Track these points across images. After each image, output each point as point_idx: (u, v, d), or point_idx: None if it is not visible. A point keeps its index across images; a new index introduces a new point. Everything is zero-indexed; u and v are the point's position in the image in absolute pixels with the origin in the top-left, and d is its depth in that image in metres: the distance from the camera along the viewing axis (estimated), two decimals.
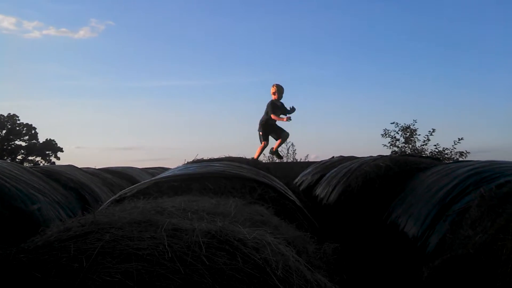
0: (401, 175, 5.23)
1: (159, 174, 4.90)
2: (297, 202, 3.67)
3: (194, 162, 5.55)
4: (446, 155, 16.86)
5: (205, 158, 6.42)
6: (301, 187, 8.26)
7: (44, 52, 58.10)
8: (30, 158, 47.62)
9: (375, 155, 6.78)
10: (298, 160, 20.27)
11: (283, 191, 3.73)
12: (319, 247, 2.47)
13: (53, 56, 59.04)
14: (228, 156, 7.14)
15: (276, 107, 7.85)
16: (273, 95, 7.97)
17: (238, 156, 7.34)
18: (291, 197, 3.66)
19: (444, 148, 16.87)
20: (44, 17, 50.88)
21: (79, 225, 1.78)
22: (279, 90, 7.92)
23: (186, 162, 5.54)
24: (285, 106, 8.01)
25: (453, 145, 16.49)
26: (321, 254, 2.35)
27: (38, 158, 47.79)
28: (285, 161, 20.70)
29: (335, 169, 6.84)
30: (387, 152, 17.39)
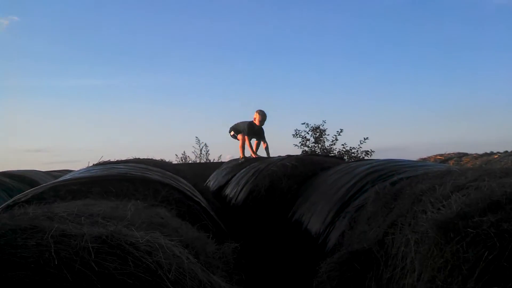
0: (306, 174, 5.41)
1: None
2: (202, 203, 3.67)
3: (98, 164, 5.36)
4: (353, 154, 17.69)
5: (112, 160, 6.25)
6: (212, 188, 8.28)
7: None
8: None
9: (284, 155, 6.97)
10: (212, 161, 20.23)
11: (188, 193, 3.71)
12: (220, 247, 2.49)
13: None
14: (136, 158, 7.00)
15: (251, 132, 8.90)
16: (254, 120, 8.86)
17: (147, 158, 7.22)
18: (196, 198, 3.66)
19: (351, 147, 17.68)
20: None
21: None
22: (262, 118, 8.87)
23: (90, 165, 5.34)
24: (264, 133, 9.17)
25: (359, 145, 17.34)
26: (220, 254, 2.37)
27: None
28: (198, 161, 20.64)
29: (244, 169, 6.92)
30: (298, 151, 17.91)
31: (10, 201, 3.39)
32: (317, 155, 7.15)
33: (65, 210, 2.15)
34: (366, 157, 16.89)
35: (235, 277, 2.31)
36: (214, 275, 2.10)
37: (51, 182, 3.63)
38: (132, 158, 7.12)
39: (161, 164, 5.35)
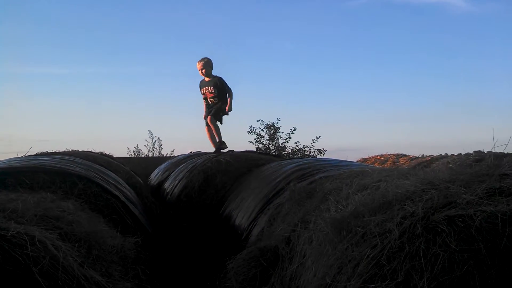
0: (240, 170, 5.47)
1: None
2: (122, 197, 3.65)
3: (28, 156, 5.24)
4: (305, 152, 17.91)
5: (48, 152, 6.11)
6: (153, 183, 8.23)
7: None
8: None
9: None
10: (165, 155, 20.04)
11: (108, 187, 3.69)
12: (121, 241, 2.50)
13: None
14: (73, 150, 6.88)
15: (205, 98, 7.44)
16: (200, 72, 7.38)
17: (84, 150, 7.11)
18: (115, 192, 3.64)
19: (304, 145, 17.90)
20: None
21: None
22: (201, 66, 7.32)
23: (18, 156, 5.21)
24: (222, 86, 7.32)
25: (311, 143, 17.58)
26: (118, 249, 2.38)
27: None
28: (150, 155, 20.41)
29: (183, 165, 6.92)
30: (253, 148, 17.99)
31: None
32: (253, 152, 7.20)
33: None
34: (319, 156, 17.15)
35: (131, 272, 2.32)
36: (106, 269, 2.11)
37: None
38: (69, 150, 7.00)
39: (94, 157, 5.28)
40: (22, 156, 5.04)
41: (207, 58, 7.42)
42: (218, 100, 7.36)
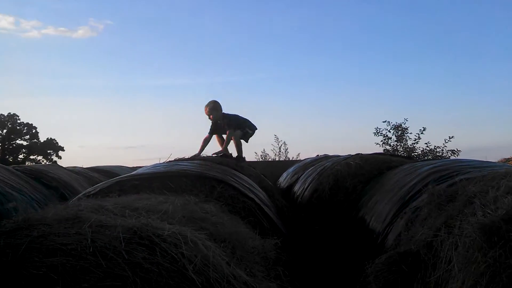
0: (371, 173, 5.34)
1: None
2: (257, 200, 3.76)
3: (170, 161, 5.64)
4: (437, 153, 16.99)
5: (187, 157, 6.52)
6: (282, 186, 8.37)
7: (43, 51, 58.52)
8: (31, 157, 48.22)
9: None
10: (291, 159, 20.35)
11: (244, 190, 3.82)
12: (261, 243, 2.57)
13: (52, 55, 59.38)
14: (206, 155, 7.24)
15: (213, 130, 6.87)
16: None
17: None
18: (250, 195, 3.76)
19: (435, 146, 17.02)
20: (43, 16, 51.36)
21: (12, 222, 1.88)
22: (207, 112, 6.76)
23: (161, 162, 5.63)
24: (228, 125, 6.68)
25: (443, 144, 16.65)
26: (260, 250, 2.45)
27: (39, 157, 48.42)
28: (277, 159, 20.85)
29: (311, 168, 6.94)
30: (380, 150, 17.54)
31: (80, 194, 3.70)
32: (383, 154, 6.97)
33: (115, 204, 2.32)
34: (452, 157, 16.18)
35: (273, 272, 2.37)
36: (249, 269, 2.18)
37: (117, 177, 3.90)
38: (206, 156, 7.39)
39: (227, 162, 5.52)
40: (164, 162, 5.43)
41: (212, 102, 6.86)
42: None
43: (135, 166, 15.83)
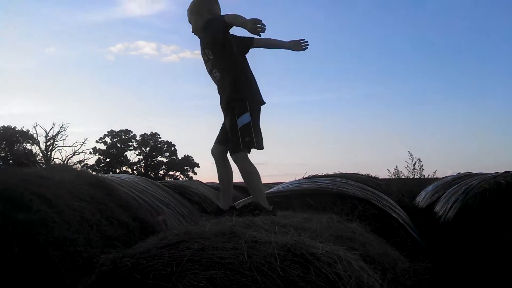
0: None
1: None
2: (400, 220, 3.62)
3: (306, 178, 5.68)
4: None
5: (318, 174, 6.53)
6: (421, 205, 7.96)
7: (181, 74, 63.28)
8: (170, 173, 52.09)
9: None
10: (426, 176, 19.29)
11: (386, 209, 3.70)
12: (410, 266, 2.45)
13: (189, 77, 63.93)
14: (341, 172, 7.17)
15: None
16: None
17: (351, 173, 7.33)
18: (393, 215, 3.63)
19: None
20: (181, 40, 55.72)
21: (174, 234, 2.01)
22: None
23: (297, 179, 5.69)
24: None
25: None
26: (411, 273, 2.33)
27: (177, 173, 52.07)
28: (411, 177, 19.89)
29: (455, 187, 6.51)
30: None
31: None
32: None
33: (263, 220, 2.39)
34: None
35: None
36: None
37: None
38: (337, 172, 7.33)
39: (363, 179, 5.40)
40: (300, 179, 5.48)
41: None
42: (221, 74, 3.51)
43: (269, 182, 16.20)
